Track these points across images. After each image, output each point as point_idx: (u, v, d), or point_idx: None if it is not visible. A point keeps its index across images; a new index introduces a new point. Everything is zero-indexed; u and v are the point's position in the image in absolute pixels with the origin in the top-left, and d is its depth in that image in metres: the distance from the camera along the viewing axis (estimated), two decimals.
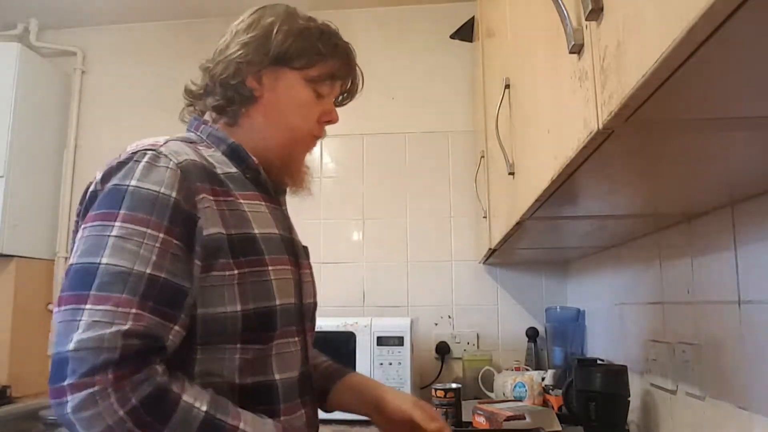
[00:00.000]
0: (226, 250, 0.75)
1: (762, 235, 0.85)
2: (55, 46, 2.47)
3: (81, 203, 0.77)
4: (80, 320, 0.63)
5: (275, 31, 0.87)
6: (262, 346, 0.78)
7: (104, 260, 0.67)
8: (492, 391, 1.80)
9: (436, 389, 1.51)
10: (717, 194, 0.89)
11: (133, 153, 0.75)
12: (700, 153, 0.65)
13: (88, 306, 0.64)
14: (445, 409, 1.49)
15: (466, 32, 2.25)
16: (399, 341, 1.74)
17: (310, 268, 0.95)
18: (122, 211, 0.69)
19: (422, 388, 2.03)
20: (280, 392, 0.79)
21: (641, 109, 0.48)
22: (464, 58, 2.29)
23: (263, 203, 0.85)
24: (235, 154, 0.86)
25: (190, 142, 0.84)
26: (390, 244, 2.22)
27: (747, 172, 0.75)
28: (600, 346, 1.73)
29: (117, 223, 0.69)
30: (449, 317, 2.16)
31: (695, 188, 0.86)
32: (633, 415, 1.35)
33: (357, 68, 0.97)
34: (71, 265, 0.69)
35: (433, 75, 2.32)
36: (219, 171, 0.81)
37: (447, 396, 1.50)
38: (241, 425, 0.69)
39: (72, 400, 0.60)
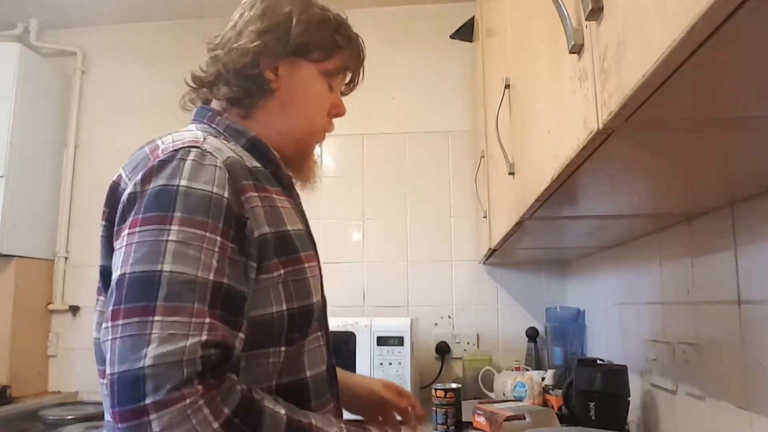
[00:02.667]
0: (272, 250, 0.73)
1: (762, 235, 0.85)
2: (55, 46, 2.47)
3: (108, 205, 0.73)
4: (151, 333, 0.58)
5: (294, 21, 0.83)
6: (298, 345, 0.77)
7: (167, 267, 0.62)
8: (492, 391, 1.80)
9: (436, 389, 1.51)
10: (717, 194, 0.89)
11: (175, 150, 0.70)
12: (700, 153, 0.65)
13: (157, 318, 0.59)
14: (445, 409, 1.49)
15: (466, 32, 2.25)
16: (399, 341, 1.74)
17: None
18: (177, 214, 0.65)
19: (422, 387, 2.03)
20: (311, 389, 0.78)
21: (641, 109, 0.48)
22: (464, 58, 2.29)
23: (285, 198, 0.82)
24: (255, 148, 0.82)
25: (214, 136, 0.79)
26: (390, 244, 2.22)
27: (747, 172, 0.75)
28: (600, 346, 1.73)
29: (174, 227, 0.64)
30: (449, 317, 2.17)
31: (695, 188, 0.86)
32: (633, 415, 1.35)
33: (363, 60, 0.95)
34: (125, 274, 0.62)
35: (433, 75, 2.32)
36: (249, 166, 0.77)
37: (447, 396, 1.50)
38: (314, 421, 0.68)
39: (159, 418, 0.55)
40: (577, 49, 0.58)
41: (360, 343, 1.73)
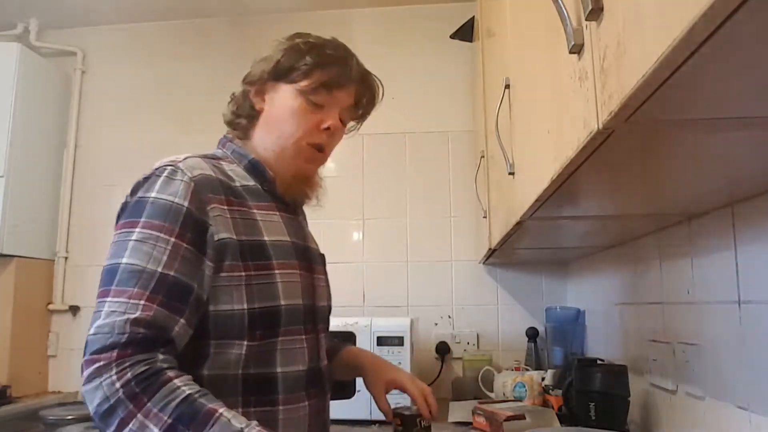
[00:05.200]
0: (236, 253, 0.83)
1: (762, 235, 0.85)
2: (55, 46, 2.47)
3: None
4: (102, 310, 0.74)
5: (273, 52, 0.97)
6: (267, 341, 0.85)
7: (124, 260, 0.77)
8: (492, 391, 1.80)
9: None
10: (717, 194, 0.89)
11: (155, 169, 0.85)
12: (700, 153, 0.65)
13: (108, 299, 0.75)
14: None
15: (466, 32, 2.25)
16: (399, 341, 1.74)
17: (325, 273, 1.06)
18: (142, 219, 0.79)
19: None
20: (280, 384, 0.85)
21: (641, 109, 0.48)
22: (464, 58, 2.29)
23: (277, 213, 0.94)
24: (254, 168, 0.95)
25: (214, 158, 0.93)
26: (390, 244, 2.22)
27: (747, 172, 0.75)
28: (600, 346, 1.73)
29: (137, 229, 0.79)
30: (449, 317, 2.17)
31: (695, 188, 0.86)
32: (633, 415, 1.35)
33: (363, 74, 1.01)
34: (103, 267, 0.79)
35: (433, 75, 2.32)
36: (237, 184, 0.90)
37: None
38: (222, 410, 0.72)
39: (85, 373, 0.72)
40: (577, 49, 0.58)
41: (360, 343, 1.73)
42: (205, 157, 0.91)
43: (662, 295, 1.22)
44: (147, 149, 2.37)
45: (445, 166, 2.25)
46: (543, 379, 1.67)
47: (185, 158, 0.87)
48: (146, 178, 0.84)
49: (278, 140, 0.95)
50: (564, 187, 0.78)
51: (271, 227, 0.90)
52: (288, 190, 0.98)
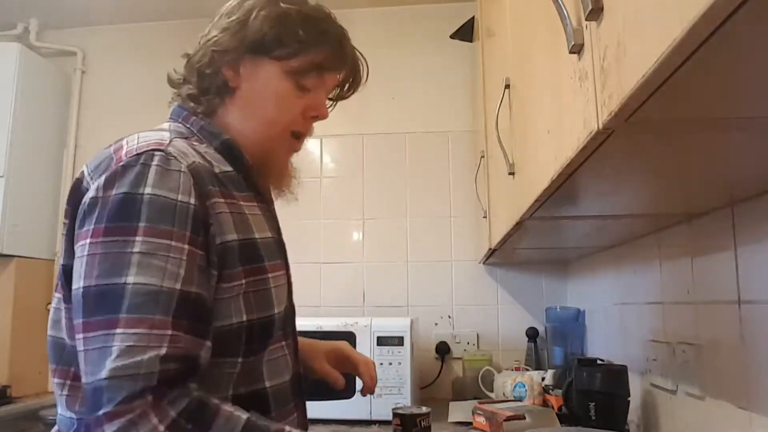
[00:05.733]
0: (235, 258, 0.71)
1: (762, 235, 0.85)
2: (55, 46, 2.47)
3: (70, 204, 0.70)
4: (113, 346, 0.59)
5: (253, 16, 0.80)
6: (257, 356, 0.75)
7: (130, 279, 0.61)
8: (492, 391, 1.80)
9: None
10: (717, 194, 0.89)
11: (138, 154, 0.68)
12: (700, 153, 0.65)
13: (119, 330, 0.60)
14: None
15: (466, 32, 2.25)
16: (399, 341, 1.74)
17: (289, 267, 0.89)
18: (142, 224, 0.64)
19: (422, 388, 2.03)
20: (270, 399, 0.76)
21: (641, 109, 0.48)
22: (464, 58, 2.29)
23: (256, 204, 0.80)
24: (228, 151, 0.80)
25: (184, 138, 0.77)
26: (390, 244, 2.22)
27: (747, 172, 0.75)
28: (600, 346, 1.73)
29: (138, 238, 0.63)
30: (449, 317, 2.16)
31: (695, 188, 0.86)
32: (633, 415, 1.35)
33: (354, 57, 0.89)
34: (87, 287, 0.62)
35: (433, 75, 2.32)
36: (217, 171, 0.75)
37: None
38: (287, 428, 0.68)
39: (110, 427, 0.57)
40: (577, 49, 0.58)
41: (360, 343, 1.73)
42: (179, 135, 0.77)
43: (662, 295, 1.22)
44: None
45: (445, 166, 2.25)
46: (543, 379, 1.67)
47: (171, 140, 0.72)
48: (128, 167, 0.67)
49: (258, 126, 0.82)
50: (564, 187, 0.78)
51: (257, 222, 0.77)
52: (265, 179, 0.85)
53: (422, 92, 2.31)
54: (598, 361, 1.39)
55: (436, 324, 2.16)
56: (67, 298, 0.70)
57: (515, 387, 1.66)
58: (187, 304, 0.63)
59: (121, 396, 0.57)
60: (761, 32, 0.36)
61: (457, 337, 2.13)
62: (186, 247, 0.65)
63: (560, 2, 0.58)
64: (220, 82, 0.82)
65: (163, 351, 0.60)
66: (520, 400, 1.62)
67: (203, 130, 0.81)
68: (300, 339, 0.91)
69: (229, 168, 0.78)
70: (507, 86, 1.14)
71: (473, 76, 2.19)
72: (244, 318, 0.72)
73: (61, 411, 0.73)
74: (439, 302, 2.17)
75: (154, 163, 0.67)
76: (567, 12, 0.58)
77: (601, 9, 0.50)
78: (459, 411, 1.65)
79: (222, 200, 0.72)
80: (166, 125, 0.82)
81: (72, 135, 2.43)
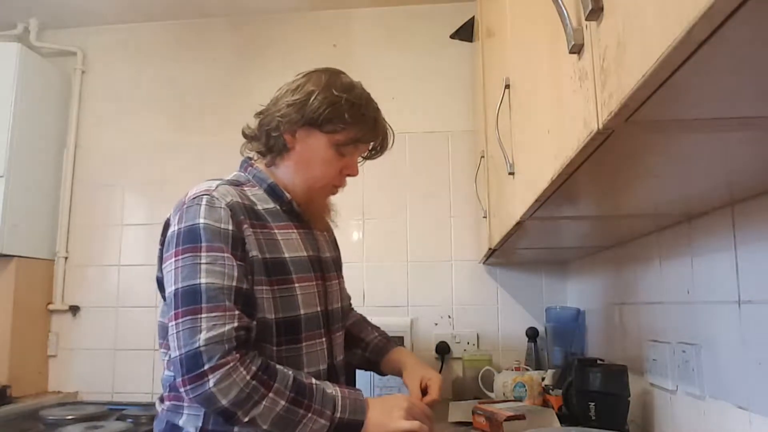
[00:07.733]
0: (262, 270, 1.00)
1: (762, 235, 0.85)
2: (55, 46, 2.47)
3: (162, 235, 1.05)
4: (201, 325, 0.91)
5: (312, 99, 1.06)
6: (293, 346, 1.03)
7: (203, 280, 0.93)
8: (492, 391, 1.80)
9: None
10: (717, 194, 0.89)
11: (194, 197, 1.00)
12: (700, 153, 0.65)
13: (204, 315, 0.91)
14: None
15: (466, 32, 2.25)
16: (399, 341, 1.73)
17: (339, 277, 1.21)
18: (204, 243, 0.95)
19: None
20: None
21: (641, 109, 0.48)
22: (464, 58, 2.29)
23: (295, 230, 1.11)
24: (273, 192, 1.11)
25: (238, 184, 1.08)
26: (390, 244, 2.22)
27: (747, 172, 0.75)
28: (600, 346, 1.73)
29: (203, 253, 0.95)
30: (449, 317, 2.17)
31: (695, 188, 0.86)
32: (633, 415, 1.35)
33: (384, 129, 1.15)
34: (177, 289, 0.94)
35: (433, 75, 2.32)
36: (259, 207, 1.07)
37: None
38: (315, 382, 0.98)
39: (213, 377, 0.89)
40: (577, 49, 0.58)
41: None
42: (230, 183, 1.06)
43: (662, 295, 1.22)
44: (147, 149, 2.37)
45: (445, 166, 2.25)
46: (543, 379, 1.67)
47: (217, 186, 1.02)
48: (190, 207, 0.99)
49: (305, 181, 1.11)
50: (564, 187, 0.78)
51: (290, 244, 1.07)
52: (306, 212, 1.13)
53: (422, 92, 2.31)
54: (598, 361, 1.39)
55: (436, 324, 2.16)
56: (163, 297, 1.04)
57: (515, 387, 1.66)
58: (240, 295, 0.95)
59: (217, 355, 0.89)
60: (761, 32, 0.36)
61: (457, 336, 2.13)
62: (231, 257, 0.96)
63: (560, 2, 0.58)
64: (281, 144, 1.11)
65: (235, 324, 0.92)
66: (520, 400, 1.62)
67: (256, 177, 1.13)
68: (412, 358, 1.28)
69: (271, 204, 1.10)
70: (507, 86, 1.14)
71: (473, 76, 2.19)
72: (272, 315, 1.01)
73: (165, 371, 1.07)
74: (439, 302, 2.17)
75: (203, 203, 0.99)
76: (567, 12, 0.58)
77: (601, 9, 0.50)
78: (459, 411, 1.65)
79: (250, 228, 1.01)
80: (230, 175, 1.14)
81: (72, 135, 2.43)
